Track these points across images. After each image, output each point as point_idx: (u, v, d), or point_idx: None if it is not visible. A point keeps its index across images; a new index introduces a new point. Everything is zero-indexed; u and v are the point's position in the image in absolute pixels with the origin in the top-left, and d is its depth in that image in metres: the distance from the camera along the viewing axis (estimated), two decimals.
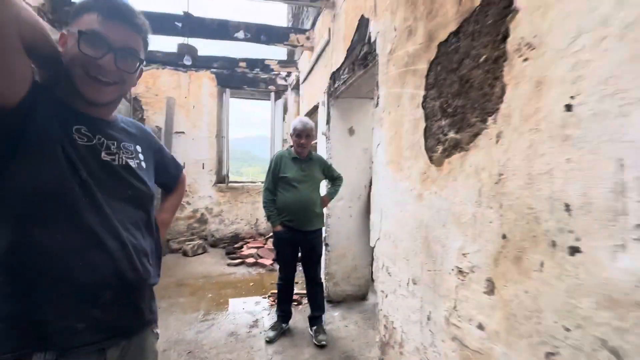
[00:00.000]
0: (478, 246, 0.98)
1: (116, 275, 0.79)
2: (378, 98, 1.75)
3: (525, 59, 0.82)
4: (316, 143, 3.51)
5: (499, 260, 0.90)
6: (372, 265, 3.21)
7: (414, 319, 1.34)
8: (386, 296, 1.62)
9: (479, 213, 0.97)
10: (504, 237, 0.88)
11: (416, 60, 1.34)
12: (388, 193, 1.59)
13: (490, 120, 0.94)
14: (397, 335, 1.49)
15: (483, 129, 0.96)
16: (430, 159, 1.24)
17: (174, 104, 5.08)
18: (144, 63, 0.91)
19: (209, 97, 5.31)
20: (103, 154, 0.83)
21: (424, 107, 1.29)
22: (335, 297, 3.02)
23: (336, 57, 2.73)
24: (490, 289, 0.93)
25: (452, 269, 1.10)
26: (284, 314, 2.46)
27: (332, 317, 2.77)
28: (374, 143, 1.79)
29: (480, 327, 0.96)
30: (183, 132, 5.18)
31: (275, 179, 2.31)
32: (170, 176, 1.13)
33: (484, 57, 0.96)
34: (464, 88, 1.05)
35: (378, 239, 1.71)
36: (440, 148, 1.18)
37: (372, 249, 2.61)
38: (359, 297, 3.11)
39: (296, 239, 2.29)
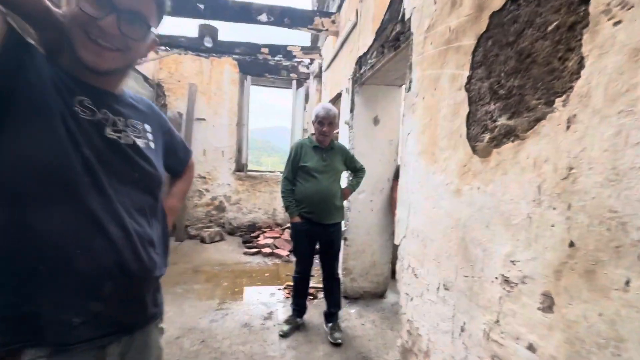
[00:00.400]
0: (533, 253, 0.82)
1: (118, 266, 0.70)
2: (411, 82, 1.58)
3: (617, 22, 0.64)
4: (337, 132, 3.36)
5: (562, 272, 0.74)
6: (392, 262, 3.06)
7: (444, 328, 1.20)
8: (411, 299, 1.48)
9: (537, 214, 0.81)
10: (571, 245, 0.72)
11: (460, 35, 1.17)
12: (418, 187, 1.44)
13: (558, 102, 0.77)
14: (422, 344, 1.36)
15: (548, 113, 0.80)
16: (474, 149, 1.07)
17: (195, 90, 5.05)
18: (155, 32, 0.81)
19: (231, 84, 5.25)
20: (108, 130, 0.73)
21: (467, 90, 1.12)
22: (352, 293, 2.91)
23: (363, 40, 2.56)
24: (548, 306, 0.77)
25: (496, 277, 0.94)
26: (299, 308, 2.38)
27: (349, 314, 2.66)
28: (403, 132, 1.63)
29: (531, 348, 0.81)
30: (204, 119, 5.17)
31: (295, 168, 2.20)
32: (178, 160, 1.03)
33: (553, 24, 0.79)
34: (523, 65, 0.88)
35: (404, 236, 1.57)
36: (486, 137, 1.01)
37: (396, 246, 2.46)
38: (377, 294, 2.98)
39: (315, 231, 2.18)
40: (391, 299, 2.97)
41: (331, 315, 2.32)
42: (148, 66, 4.47)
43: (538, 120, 0.82)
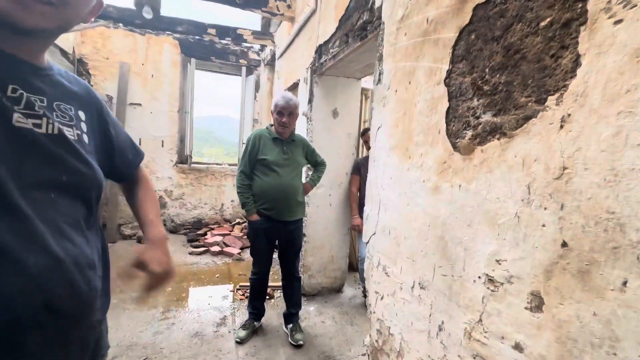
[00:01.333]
0: (521, 253, 0.81)
1: (46, 307, 0.51)
2: (381, 74, 1.52)
3: (618, 21, 0.63)
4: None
5: (552, 272, 0.74)
6: (349, 256, 3.07)
7: (420, 327, 1.18)
8: (381, 298, 1.45)
9: (526, 213, 0.80)
10: (564, 245, 0.71)
11: (440, 27, 1.13)
12: (390, 183, 1.40)
13: (551, 100, 0.76)
14: (394, 343, 1.33)
15: (539, 112, 0.78)
16: (454, 145, 1.05)
17: (128, 70, 4.44)
18: None
19: (171, 66, 4.73)
20: (16, 116, 0.52)
21: (447, 84, 1.09)
22: (310, 290, 2.84)
23: (324, 28, 2.44)
24: (537, 305, 0.77)
25: (479, 277, 0.93)
26: (256, 312, 2.23)
27: (308, 312, 2.59)
28: (373, 126, 1.58)
29: (518, 347, 0.81)
30: (139, 104, 4.59)
31: (253, 162, 2.02)
32: (126, 162, 0.82)
33: (546, 20, 0.77)
34: (511, 61, 0.86)
35: (374, 233, 1.53)
36: (469, 133, 0.99)
37: (354, 240, 2.44)
38: (334, 289, 2.96)
39: (274, 229, 2.04)
40: (348, 292, 2.98)
41: (291, 316, 2.23)
42: (67, 37, 3.77)
43: (528, 118, 0.81)
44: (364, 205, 2.72)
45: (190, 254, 3.83)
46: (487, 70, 0.94)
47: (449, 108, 1.08)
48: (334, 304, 2.75)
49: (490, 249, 0.90)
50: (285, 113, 1.99)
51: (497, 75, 0.90)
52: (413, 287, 1.23)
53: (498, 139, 0.89)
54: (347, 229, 2.91)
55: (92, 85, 4.31)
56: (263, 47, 5.05)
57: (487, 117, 0.93)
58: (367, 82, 4.11)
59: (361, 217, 2.67)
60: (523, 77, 0.83)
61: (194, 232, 4.58)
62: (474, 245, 0.96)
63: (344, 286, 3.03)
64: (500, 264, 0.87)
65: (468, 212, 0.98)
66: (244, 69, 5.06)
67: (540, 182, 0.77)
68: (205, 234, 4.48)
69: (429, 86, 1.18)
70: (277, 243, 2.15)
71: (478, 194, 0.95)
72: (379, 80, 1.54)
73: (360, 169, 2.74)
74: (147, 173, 0.93)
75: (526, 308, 0.80)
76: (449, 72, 1.08)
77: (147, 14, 3.02)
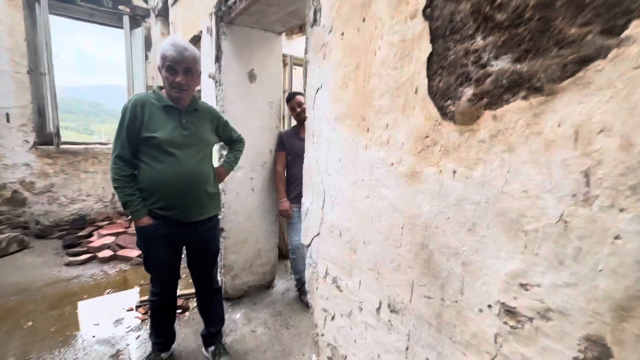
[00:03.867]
0: (569, 277, 0.52)
1: None
2: (317, 12, 1.07)
3: None
4: (200, 90, 2.55)
5: (631, 310, 0.46)
6: (279, 248, 2.68)
7: None
8: (332, 318, 1.11)
9: (582, 217, 0.50)
10: None
11: None
12: (339, 167, 1.01)
13: (634, 28, 0.44)
14: None
15: (609, 49, 0.47)
16: (443, 111, 0.70)
17: None
18: None
19: (8, 6, 3.32)
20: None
21: (428, 17, 0.72)
22: (234, 292, 2.38)
23: None
24: (596, 357, 0.50)
25: (489, 305, 0.64)
26: (162, 340, 1.69)
27: (234, 322, 2.15)
28: (309, 86, 1.14)
29: None
30: None
31: (134, 142, 1.38)
32: None
33: None
34: None
35: (317, 234, 1.15)
36: (468, 92, 0.65)
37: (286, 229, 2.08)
38: (263, 286, 2.57)
39: (178, 234, 1.48)
40: (280, 286, 2.63)
41: (212, 337, 1.75)
42: None
43: (586, 61, 0.49)
44: (295, 187, 2.31)
45: (67, 264, 2.90)
46: None
47: (432, 54, 0.72)
48: (265, 304, 2.37)
49: (509, 267, 0.60)
50: (180, 69, 1.38)
51: None
52: (379, 308, 0.90)
53: (525, 98, 0.56)
54: (275, 216, 2.49)
55: None
56: None
57: (502, 64, 0.59)
58: (288, 46, 3.57)
59: (293, 201, 2.27)
60: None
61: (73, 234, 3.53)
62: (481, 259, 0.65)
63: (274, 280, 2.65)
64: (527, 289, 0.58)
65: (470, 212, 0.66)
66: (126, 19, 3.91)
67: (612, 168, 0.47)
68: (90, 235, 3.50)
69: (398, 22, 0.79)
70: (183, 250, 1.60)
71: (488, 184, 0.63)
72: (315, 20, 1.09)
73: (284, 144, 2.30)
74: None
75: (576, 358, 0.52)
76: None
77: None
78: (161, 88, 1.47)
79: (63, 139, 3.76)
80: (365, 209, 0.92)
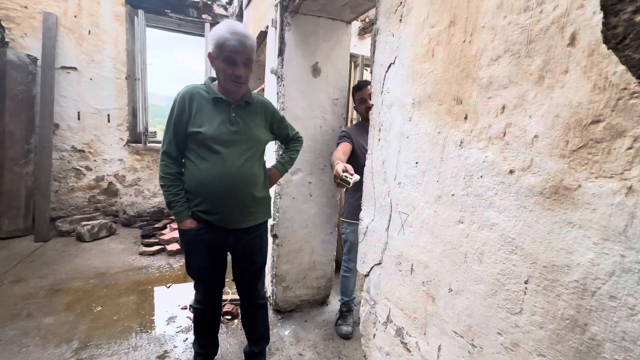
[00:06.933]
0: None
1: None
2: None
3: None
4: (263, 88, 2.46)
5: None
6: (336, 262, 2.42)
7: None
8: None
9: None
10: None
11: None
12: (414, 173, 0.70)
13: None
14: None
15: None
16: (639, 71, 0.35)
17: (55, 23, 3.49)
18: None
19: (114, 20, 3.79)
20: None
21: None
22: (285, 305, 2.19)
23: None
24: None
25: None
26: (203, 351, 1.56)
27: (281, 338, 1.95)
28: (376, 64, 0.85)
29: None
30: (74, 69, 3.67)
31: (181, 137, 1.28)
32: None
33: None
34: None
35: (378, 263, 0.85)
36: None
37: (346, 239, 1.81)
38: (317, 302, 2.33)
39: (220, 241, 1.33)
40: (335, 305, 2.35)
41: (254, 356, 1.57)
42: None
43: None
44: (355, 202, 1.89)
45: (141, 254, 3.11)
46: None
47: None
48: (317, 324, 2.12)
49: None
50: (240, 61, 1.22)
51: None
52: None
53: None
54: (333, 225, 2.24)
55: (7, 43, 3.37)
56: (231, 0, 4.15)
57: None
58: (359, 46, 3.28)
59: (355, 212, 1.98)
60: None
61: (151, 224, 3.83)
62: None
63: (329, 297, 2.40)
64: None
65: None
66: (207, 27, 4.15)
67: None
68: (164, 227, 3.74)
69: None
70: (229, 257, 1.46)
71: None
72: None
73: (351, 136, 1.88)
74: None
75: None
76: None
77: None
78: (213, 80, 1.35)
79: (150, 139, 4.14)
80: (456, 240, 0.60)
